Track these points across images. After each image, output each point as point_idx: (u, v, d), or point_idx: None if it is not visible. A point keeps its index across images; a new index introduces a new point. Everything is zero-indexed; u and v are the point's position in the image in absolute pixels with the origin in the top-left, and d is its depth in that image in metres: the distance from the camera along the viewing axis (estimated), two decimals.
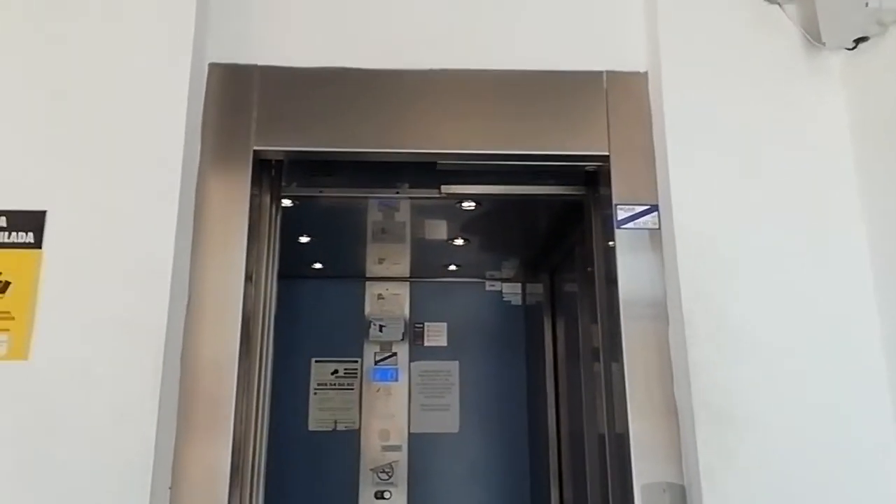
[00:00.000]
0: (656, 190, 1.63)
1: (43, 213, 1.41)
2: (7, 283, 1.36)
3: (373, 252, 2.93)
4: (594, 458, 1.98)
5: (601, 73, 1.70)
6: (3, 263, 1.37)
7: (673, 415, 1.49)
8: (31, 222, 1.39)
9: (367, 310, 3.23)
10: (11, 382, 1.31)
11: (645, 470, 1.47)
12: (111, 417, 1.31)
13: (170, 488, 1.37)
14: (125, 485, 1.28)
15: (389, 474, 2.98)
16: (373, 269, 3.16)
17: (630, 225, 1.61)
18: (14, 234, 1.39)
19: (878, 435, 1.43)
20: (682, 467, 1.46)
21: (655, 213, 1.61)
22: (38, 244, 1.39)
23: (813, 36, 1.62)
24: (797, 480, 1.40)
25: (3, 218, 1.40)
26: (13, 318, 1.34)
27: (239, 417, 1.49)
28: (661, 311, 1.56)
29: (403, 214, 2.45)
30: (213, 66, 1.65)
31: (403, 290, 3.26)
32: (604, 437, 1.66)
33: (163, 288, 1.38)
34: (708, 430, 1.41)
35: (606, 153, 1.66)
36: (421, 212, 2.42)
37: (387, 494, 2.95)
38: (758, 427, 1.42)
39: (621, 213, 1.62)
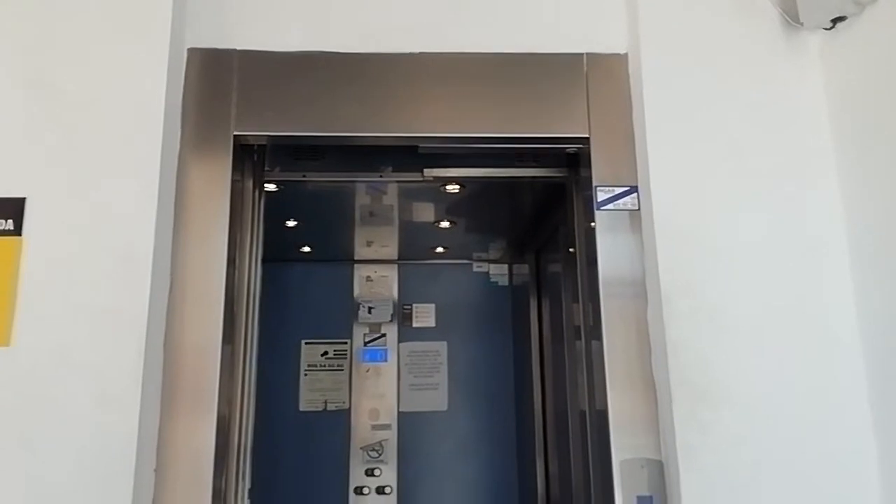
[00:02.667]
0: (636, 171, 1.64)
1: (22, 199, 1.41)
2: None
3: (361, 235, 2.93)
4: (577, 434, 2.01)
5: (581, 55, 1.71)
6: None
7: (651, 392, 1.52)
8: (11, 209, 1.39)
9: (356, 292, 3.25)
10: None
11: (624, 445, 1.50)
12: (94, 402, 1.32)
13: (154, 470, 1.39)
14: (110, 468, 1.29)
15: (379, 452, 3.02)
16: (361, 251, 3.17)
17: (610, 206, 1.63)
18: None
19: (854, 417, 1.46)
20: (660, 443, 1.49)
21: (635, 195, 1.63)
22: (17, 231, 1.39)
23: (791, 16, 1.63)
24: (773, 457, 1.43)
25: None
26: None
27: (223, 400, 1.51)
28: (641, 291, 1.58)
29: (390, 198, 2.46)
30: (191, 51, 1.64)
31: (392, 273, 3.28)
32: (585, 414, 1.69)
33: (144, 273, 1.39)
34: (685, 407, 1.44)
35: (587, 135, 1.66)
36: (407, 195, 2.43)
37: (377, 472, 2.99)
38: (734, 404, 1.45)
39: (601, 195, 1.63)
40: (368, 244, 3.05)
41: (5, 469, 1.29)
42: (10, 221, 1.39)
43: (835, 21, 1.55)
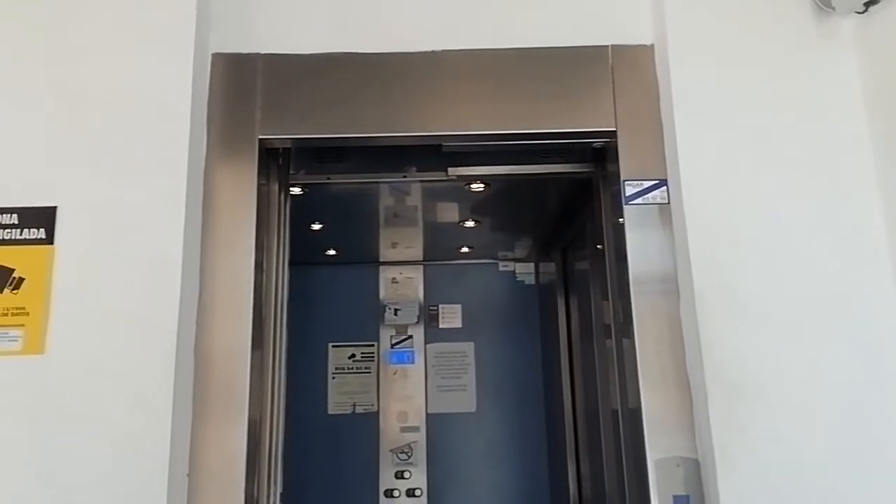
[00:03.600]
0: (665, 165, 1.61)
1: (53, 208, 1.42)
2: (21, 280, 1.38)
3: (385, 237, 2.93)
4: (609, 433, 1.98)
5: (606, 47, 1.68)
6: (16, 260, 1.39)
7: (685, 389, 1.49)
8: (43, 218, 1.41)
9: (382, 294, 3.25)
10: (28, 376, 1.34)
11: (658, 444, 1.47)
12: (127, 408, 1.33)
13: (188, 475, 1.39)
14: (143, 474, 1.30)
15: (409, 454, 3.01)
16: (386, 253, 3.16)
17: (639, 200, 1.60)
18: (26, 230, 1.41)
19: (893, 411, 1.41)
20: (695, 441, 1.46)
21: (664, 188, 1.60)
22: (49, 240, 1.41)
23: (822, 1, 1.58)
24: (811, 456, 1.39)
25: (15, 215, 1.42)
26: (28, 314, 1.36)
27: (254, 404, 1.51)
28: (673, 287, 1.55)
29: (414, 198, 2.45)
30: (216, 56, 1.65)
31: (417, 274, 3.27)
32: (617, 413, 1.67)
33: (173, 279, 1.40)
34: (721, 405, 1.41)
35: (613, 129, 1.64)
36: (431, 195, 2.42)
37: (406, 474, 2.98)
38: (771, 402, 1.41)
39: (630, 189, 1.60)
40: (393, 245, 3.05)
41: (40, 475, 1.30)
42: (42, 230, 1.41)
43: (867, 5, 1.51)
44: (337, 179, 1.94)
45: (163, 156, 1.47)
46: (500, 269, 3.30)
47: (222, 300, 1.51)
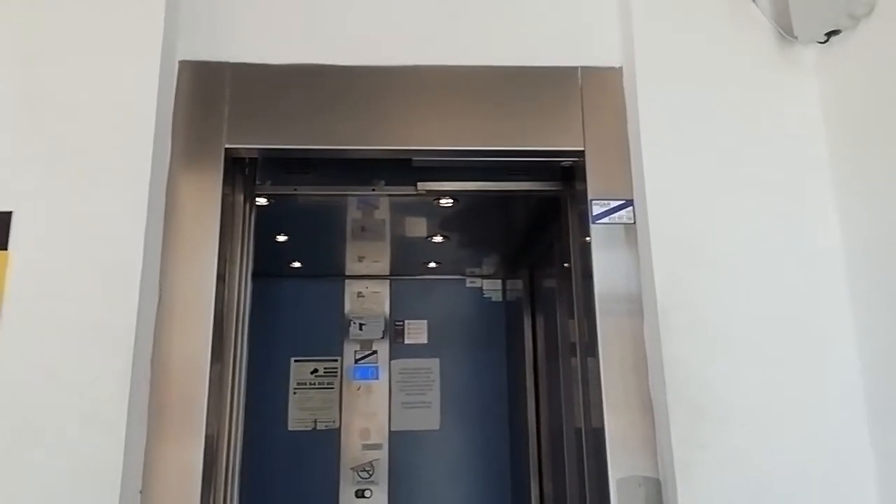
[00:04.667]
0: (631, 185, 1.62)
1: (8, 213, 1.38)
2: None
3: (352, 250, 2.91)
4: (572, 452, 1.98)
5: (576, 68, 1.70)
6: None
7: (648, 409, 1.50)
8: None
9: (347, 308, 3.21)
10: None
11: (621, 464, 1.47)
12: (80, 419, 1.29)
13: (140, 492, 1.35)
14: (95, 487, 1.25)
15: (370, 472, 2.97)
16: (352, 267, 3.14)
17: (605, 220, 1.61)
18: None
19: (852, 431, 1.44)
20: (656, 461, 1.47)
21: (630, 208, 1.61)
22: (3, 245, 1.36)
23: (786, 30, 1.63)
24: (771, 475, 1.41)
25: None
26: None
27: (212, 419, 1.47)
28: (637, 307, 1.56)
29: (382, 212, 2.43)
30: (183, 63, 1.62)
31: (383, 288, 3.25)
32: (580, 432, 1.66)
33: (132, 288, 1.36)
34: (683, 424, 1.41)
35: (581, 148, 1.65)
36: (400, 209, 2.41)
37: (367, 493, 2.94)
38: (732, 422, 1.43)
39: (596, 209, 1.61)
40: (360, 259, 3.02)
41: None
42: None
43: (829, 35, 1.55)
44: (304, 191, 1.92)
45: (125, 162, 1.44)
46: (468, 285, 3.29)
47: (182, 312, 1.47)
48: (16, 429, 1.28)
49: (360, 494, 2.93)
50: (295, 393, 3.06)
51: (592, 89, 1.69)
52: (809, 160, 1.60)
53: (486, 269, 3.24)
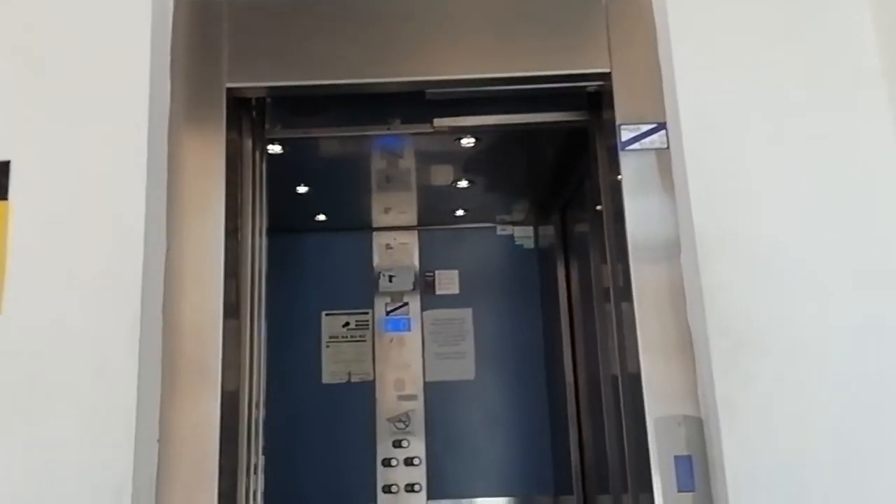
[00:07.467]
0: (663, 108, 1.50)
1: (7, 163, 1.33)
2: None
3: (378, 201, 2.83)
4: (609, 398, 1.90)
5: None
6: None
7: (687, 352, 1.40)
8: None
9: (376, 261, 3.15)
10: None
11: (659, 408, 1.39)
12: (91, 371, 1.26)
13: (158, 441, 1.32)
14: (109, 439, 1.23)
15: (406, 423, 2.95)
16: (379, 218, 3.06)
17: (636, 146, 1.49)
18: None
19: None
20: (697, 403, 1.37)
21: (663, 132, 1.49)
22: (3, 195, 1.32)
23: None
24: (821, 408, 1.30)
25: None
26: None
27: (230, 374, 1.43)
28: (673, 245, 1.45)
29: (405, 159, 2.35)
30: (178, 1, 1.54)
31: (412, 239, 3.17)
32: (617, 379, 1.58)
33: (136, 237, 1.31)
34: (725, 357, 1.32)
35: (608, 70, 1.53)
36: (422, 156, 2.31)
37: (404, 443, 2.92)
38: (779, 352, 1.32)
39: (626, 134, 1.50)
40: (386, 211, 2.95)
41: (2, 442, 1.24)
42: None
43: None
44: (316, 133, 1.84)
45: (123, 108, 1.38)
46: (498, 232, 3.19)
47: (191, 265, 1.42)
48: (26, 380, 1.26)
49: (397, 444, 2.91)
50: (328, 346, 3.04)
51: (618, 4, 1.56)
52: (861, 73, 1.45)
53: (516, 216, 3.14)
